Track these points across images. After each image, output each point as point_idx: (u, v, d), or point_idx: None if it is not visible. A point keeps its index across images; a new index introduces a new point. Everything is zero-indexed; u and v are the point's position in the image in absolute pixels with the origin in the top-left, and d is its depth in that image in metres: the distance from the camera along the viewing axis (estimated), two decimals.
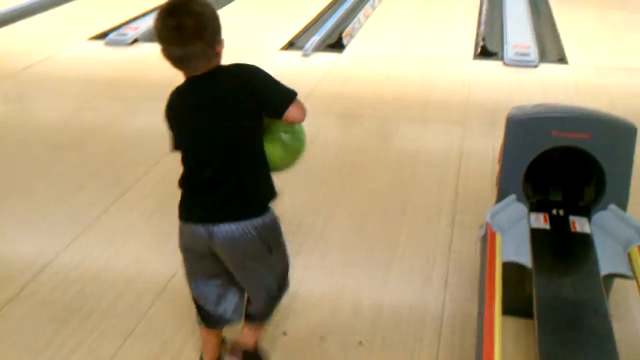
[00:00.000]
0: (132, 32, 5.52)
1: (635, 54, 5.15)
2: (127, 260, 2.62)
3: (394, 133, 3.76)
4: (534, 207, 2.20)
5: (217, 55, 1.71)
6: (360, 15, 6.08)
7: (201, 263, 1.82)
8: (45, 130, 3.86)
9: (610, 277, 2.01)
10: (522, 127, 2.11)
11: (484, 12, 6.31)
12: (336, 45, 5.36)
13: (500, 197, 2.19)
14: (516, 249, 2.02)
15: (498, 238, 2.00)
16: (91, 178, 3.27)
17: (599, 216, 2.13)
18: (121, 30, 5.59)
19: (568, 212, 2.18)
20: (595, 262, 1.96)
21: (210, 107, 1.70)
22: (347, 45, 5.37)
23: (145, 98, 4.31)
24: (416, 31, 5.79)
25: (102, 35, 5.60)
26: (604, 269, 1.95)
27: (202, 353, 2.01)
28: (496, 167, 2.35)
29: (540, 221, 2.14)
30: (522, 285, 2.03)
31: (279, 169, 1.81)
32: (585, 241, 2.05)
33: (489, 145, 3.55)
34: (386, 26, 5.94)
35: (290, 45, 5.41)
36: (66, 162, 3.46)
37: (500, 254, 1.94)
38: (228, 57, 1.71)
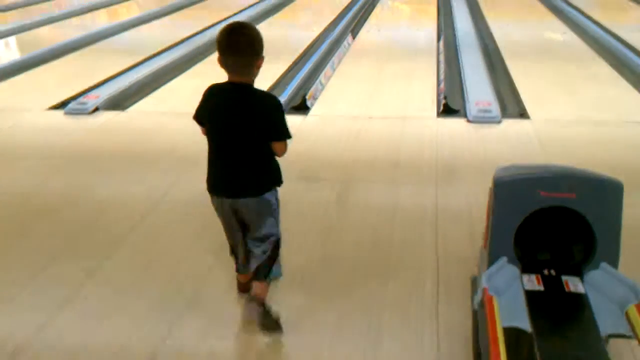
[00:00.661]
0: (92, 100, 5.44)
1: (591, 106, 5.29)
2: (107, 338, 2.49)
3: (367, 196, 3.73)
4: (525, 268, 2.18)
5: (257, 68, 2.33)
6: (322, 77, 6.13)
7: (230, 226, 2.51)
8: (8, 204, 3.71)
9: (609, 337, 1.99)
10: (510, 189, 2.10)
11: (442, 70, 6.44)
12: (301, 107, 5.37)
13: (491, 259, 2.17)
14: (513, 312, 1.98)
15: (496, 302, 1.96)
16: (62, 252, 3.14)
17: (592, 275, 2.12)
18: (81, 99, 5.50)
19: (560, 272, 2.16)
20: (595, 324, 1.93)
21: (238, 111, 2.31)
22: (311, 107, 5.38)
23: (109, 167, 4.22)
24: (378, 91, 5.85)
25: (62, 105, 5.50)
26: (604, 329, 1.92)
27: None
28: (483, 228, 2.34)
29: (533, 282, 2.12)
30: (520, 349, 1.99)
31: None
32: (582, 302, 2.02)
33: (462, 203, 3.57)
34: (348, 87, 5.99)
35: None
36: (34, 236, 3.32)
37: (500, 319, 1.90)
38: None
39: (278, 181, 2.47)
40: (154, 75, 6.44)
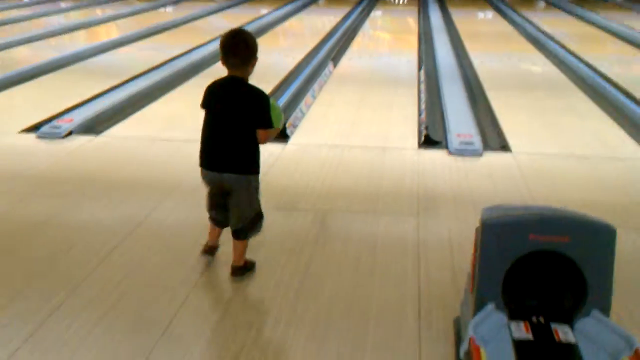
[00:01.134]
0: (65, 124, 5.29)
1: (573, 140, 5.26)
2: None
3: (348, 228, 3.63)
4: (513, 315, 2.08)
5: (252, 66, 2.87)
6: (302, 105, 6.04)
7: (213, 193, 3.00)
8: None
9: None
10: (498, 231, 2.01)
11: (422, 100, 6.40)
12: (280, 135, 5.25)
13: (478, 305, 2.07)
14: None
15: (483, 353, 1.86)
16: (27, 285, 2.98)
17: (582, 323, 2.03)
18: (54, 123, 5.35)
19: (548, 319, 2.07)
20: None
21: (232, 98, 2.85)
22: (291, 135, 5.28)
23: (82, 193, 4.07)
24: (359, 120, 5.78)
25: (34, 128, 5.34)
26: None
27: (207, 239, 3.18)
28: (467, 266, 2.24)
29: (521, 330, 2.02)
30: None
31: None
32: (573, 352, 1.93)
33: (444, 236, 3.50)
34: (328, 116, 5.91)
35: None
36: None
37: None
38: None
39: (257, 168, 2.93)
40: (130, 99, 6.31)
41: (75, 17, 13.32)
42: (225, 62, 2.88)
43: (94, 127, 5.46)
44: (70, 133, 5.20)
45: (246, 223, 2.96)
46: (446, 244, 3.40)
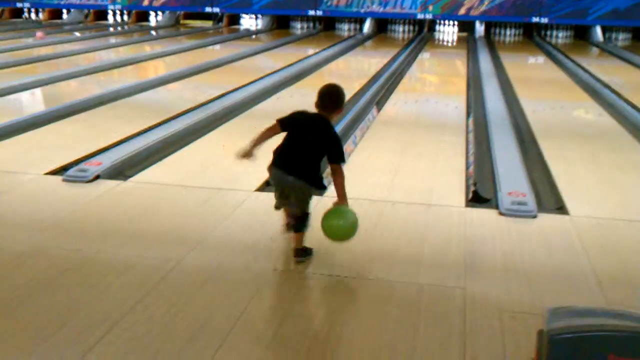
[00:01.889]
0: (93, 167, 5.07)
1: (635, 200, 4.80)
2: None
3: (385, 296, 3.26)
4: None
5: (335, 114, 3.60)
6: None
7: (277, 193, 3.65)
8: None
9: None
10: (569, 348, 1.62)
11: (471, 151, 6.01)
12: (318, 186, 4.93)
13: None
14: None
15: None
16: (51, 332, 2.73)
17: None
18: (81, 166, 5.13)
19: None
20: None
21: (315, 129, 3.53)
22: (328, 186, 4.94)
23: (104, 244, 3.81)
24: (401, 171, 5.42)
25: (61, 170, 5.14)
26: None
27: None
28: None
29: None
30: None
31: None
32: None
33: (493, 309, 3.11)
34: (369, 165, 5.57)
35: (267, 185, 4.98)
36: (11, 322, 2.90)
37: None
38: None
39: (314, 181, 3.59)
40: (164, 141, 6.09)
41: (124, 52, 13.38)
42: (317, 106, 3.59)
43: (123, 171, 5.23)
44: (97, 177, 4.97)
45: (298, 219, 3.61)
46: (496, 319, 3.02)
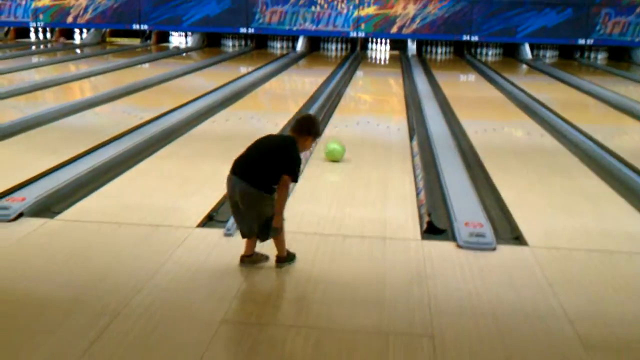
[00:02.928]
0: (16, 204, 4.60)
1: (593, 229, 4.69)
2: None
3: (348, 350, 2.97)
4: None
5: (302, 141, 3.75)
6: None
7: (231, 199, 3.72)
8: None
9: None
10: None
11: (419, 176, 5.82)
12: None
13: None
14: None
15: None
16: None
17: None
18: (2, 202, 4.66)
19: None
20: None
21: (277, 143, 3.81)
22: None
23: (32, 291, 3.39)
24: (351, 200, 5.17)
25: None
26: None
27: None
28: None
29: None
30: None
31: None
32: None
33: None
34: (318, 195, 5.29)
35: (210, 219, 4.64)
36: None
37: None
38: None
39: (269, 191, 3.63)
40: (95, 171, 5.65)
41: (47, 72, 12.71)
42: (291, 128, 3.83)
43: (49, 206, 4.78)
44: (20, 215, 4.51)
45: (259, 228, 3.66)
46: None
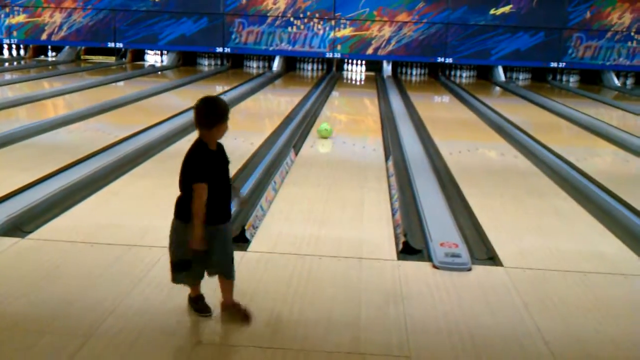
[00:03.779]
0: None
1: (567, 250, 4.73)
2: None
3: None
4: None
5: (213, 129, 3.32)
6: (262, 201, 5.41)
7: None
8: None
9: None
10: None
11: (395, 197, 5.84)
12: (239, 238, 4.60)
13: None
14: None
15: None
16: None
17: None
18: None
19: None
20: None
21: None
22: (251, 239, 4.63)
23: (3, 308, 3.32)
24: (327, 220, 5.16)
25: None
26: None
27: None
28: None
29: None
30: None
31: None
32: None
33: None
34: (293, 215, 5.28)
35: None
36: None
37: None
38: None
39: (186, 219, 3.30)
40: (65, 191, 5.56)
41: (20, 89, 12.57)
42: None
43: (20, 226, 4.69)
44: None
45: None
46: None
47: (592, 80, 17.57)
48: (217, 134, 3.32)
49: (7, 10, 17.69)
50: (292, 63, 18.29)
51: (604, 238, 5.06)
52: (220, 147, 3.40)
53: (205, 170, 3.23)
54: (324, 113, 11.15)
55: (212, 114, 3.29)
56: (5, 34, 17.88)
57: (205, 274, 3.40)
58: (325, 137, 8.47)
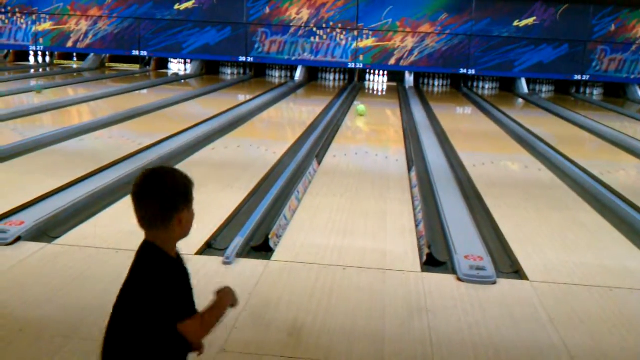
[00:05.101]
0: (14, 228, 4.58)
1: (589, 263, 4.69)
2: None
3: None
4: None
5: (177, 223, 2.10)
6: (286, 210, 5.42)
7: None
8: None
9: None
10: None
11: (418, 208, 5.82)
12: (263, 247, 4.62)
13: None
14: None
15: None
16: None
17: None
18: (0, 225, 4.63)
19: None
20: None
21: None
22: (275, 248, 4.64)
23: (30, 317, 3.34)
24: (351, 231, 5.16)
25: None
26: None
27: None
28: None
29: None
30: None
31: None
32: None
33: None
34: (316, 224, 5.28)
35: (209, 246, 4.62)
36: None
37: None
38: None
39: None
40: (93, 196, 5.63)
41: (47, 96, 12.73)
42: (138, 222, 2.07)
43: (47, 231, 4.75)
44: (18, 239, 4.48)
45: None
46: None
47: (616, 93, 17.41)
48: (179, 230, 2.09)
49: (34, 17, 17.95)
50: (314, 73, 18.34)
51: (629, 252, 5.00)
52: (179, 255, 2.17)
53: (173, 298, 2.03)
54: (345, 123, 11.16)
55: (170, 195, 2.05)
56: (31, 41, 18.14)
57: None
58: (362, 115, 10.59)
